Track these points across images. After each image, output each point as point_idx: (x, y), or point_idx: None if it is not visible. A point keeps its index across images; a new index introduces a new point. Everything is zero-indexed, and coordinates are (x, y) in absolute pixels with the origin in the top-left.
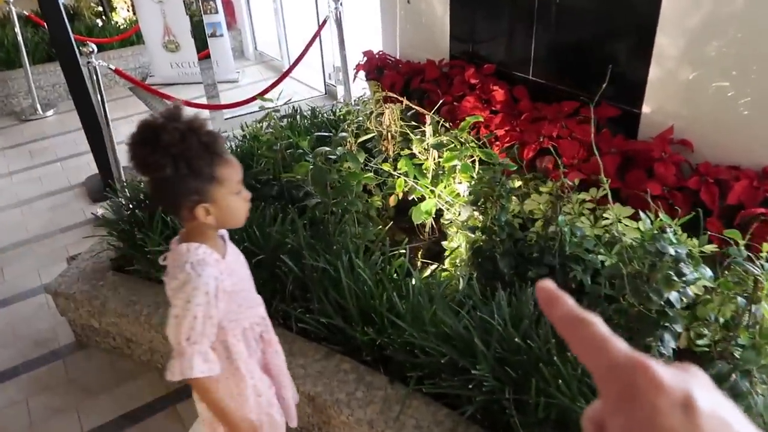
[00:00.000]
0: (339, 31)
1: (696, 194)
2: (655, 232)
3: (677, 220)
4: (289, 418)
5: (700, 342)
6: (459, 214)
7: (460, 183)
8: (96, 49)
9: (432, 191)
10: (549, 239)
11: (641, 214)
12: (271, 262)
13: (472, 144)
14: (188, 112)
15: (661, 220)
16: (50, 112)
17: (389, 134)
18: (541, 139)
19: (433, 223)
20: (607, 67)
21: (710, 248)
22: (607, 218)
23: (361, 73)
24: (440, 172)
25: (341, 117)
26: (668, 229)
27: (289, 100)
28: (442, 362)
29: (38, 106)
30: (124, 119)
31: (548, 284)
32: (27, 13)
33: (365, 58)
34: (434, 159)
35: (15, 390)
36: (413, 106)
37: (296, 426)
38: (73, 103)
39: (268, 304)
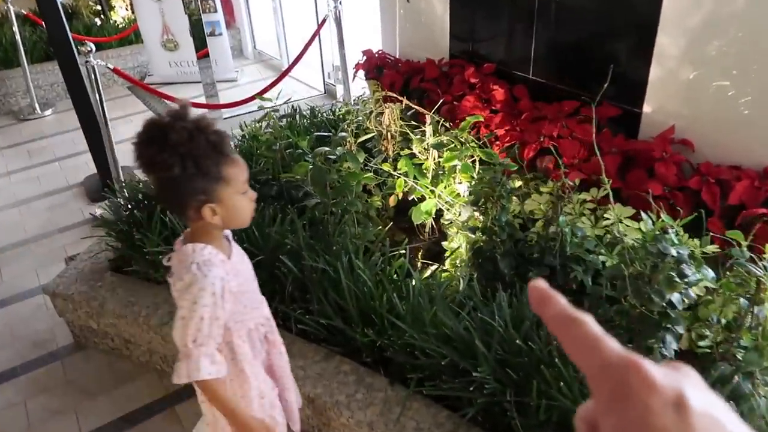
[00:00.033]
0: (338, 30)
1: (697, 194)
2: (657, 232)
3: (679, 220)
4: (292, 421)
5: (701, 343)
6: (459, 215)
7: (461, 183)
8: (94, 48)
9: (432, 191)
10: (550, 240)
11: (643, 214)
12: (271, 263)
13: (473, 144)
14: (195, 111)
15: (662, 220)
16: (48, 112)
17: (389, 134)
18: (542, 139)
19: (433, 223)
20: (608, 66)
21: (712, 249)
22: (608, 218)
23: (361, 73)
24: (440, 172)
25: (341, 117)
26: (670, 230)
27: (289, 99)
28: (442, 364)
29: (36, 105)
30: (123, 118)
31: (540, 283)
32: (25, 12)
33: (365, 58)
34: (434, 159)
35: (13, 391)
36: (413, 106)
37: (298, 430)
38: (71, 103)
39: (268, 305)
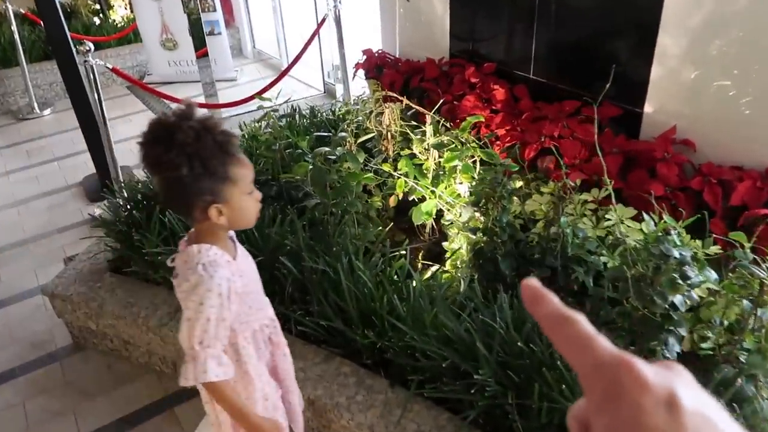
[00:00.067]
0: (338, 30)
1: (699, 195)
2: (660, 234)
3: (681, 222)
4: (295, 423)
5: (704, 345)
6: (460, 215)
7: (461, 183)
8: (93, 48)
9: (432, 192)
10: (551, 240)
11: (645, 215)
12: (270, 264)
13: (473, 144)
14: (201, 111)
15: (665, 222)
16: (47, 111)
17: (389, 134)
18: (543, 139)
19: (434, 224)
20: (609, 65)
21: (714, 250)
22: (609, 219)
23: (361, 72)
24: (441, 172)
25: (341, 116)
26: (672, 232)
27: (288, 99)
28: (443, 366)
29: (35, 104)
30: (122, 118)
31: (533, 282)
32: (24, 11)
33: (364, 57)
34: (435, 159)
35: (12, 393)
36: (413, 106)
37: None
38: (70, 102)
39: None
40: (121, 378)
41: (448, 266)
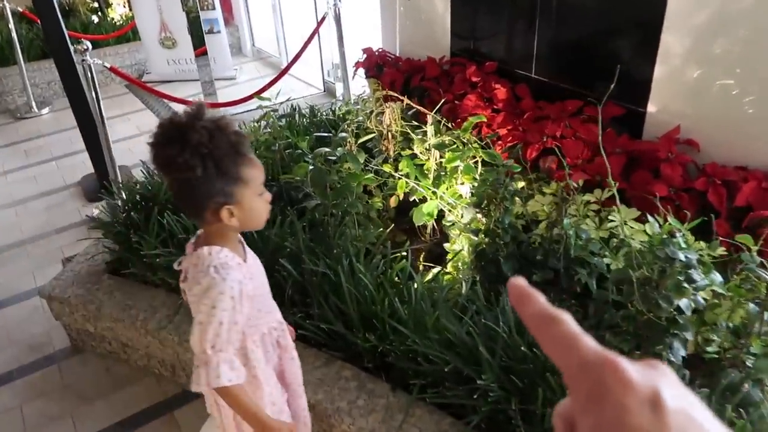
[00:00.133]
0: (338, 28)
1: (703, 196)
2: (665, 236)
3: (687, 223)
4: (304, 428)
5: (709, 349)
6: (461, 216)
7: (463, 184)
8: (91, 47)
9: (434, 192)
10: (553, 242)
11: (649, 217)
12: (270, 266)
13: (475, 144)
14: (212, 112)
15: (670, 223)
16: (45, 110)
17: (390, 134)
18: (545, 139)
19: (435, 224)
20: (611, 65)
21: (719, 251)
22: (612, 220)
23: (361, 71)
24: (442, 173)
25: (341, 116)
26: (678, 234)
27: (288, 98)
28: (445, 370)
29: (33, 103)
30: (120, 117)
31: (520, 281)
32: (21, 10)
33: (365, 56)
34: (436, 159)
35: (9, 396)
36: (414, 105)
37: None
38: (68, 101)
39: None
40: (119, 381)
41: (449, 268)
